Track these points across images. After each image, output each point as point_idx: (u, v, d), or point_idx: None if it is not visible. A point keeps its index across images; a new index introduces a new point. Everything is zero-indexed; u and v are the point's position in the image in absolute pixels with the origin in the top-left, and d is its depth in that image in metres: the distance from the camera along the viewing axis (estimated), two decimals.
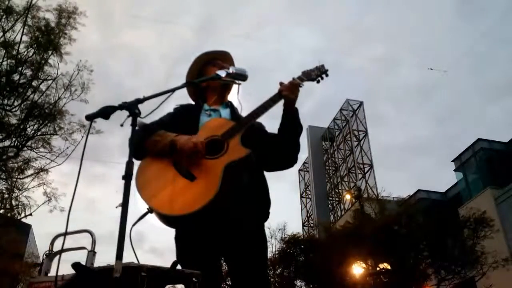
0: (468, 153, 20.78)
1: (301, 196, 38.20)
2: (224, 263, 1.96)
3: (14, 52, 10.77)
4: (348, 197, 24.32)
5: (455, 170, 21.92)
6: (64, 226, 1.38)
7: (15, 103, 11.06)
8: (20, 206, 11.35)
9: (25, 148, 11.35)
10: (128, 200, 1.27)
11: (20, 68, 10.91)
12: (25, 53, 11.05)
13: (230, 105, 2.15)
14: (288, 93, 1.98)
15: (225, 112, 2.09)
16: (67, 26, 11.36)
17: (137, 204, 1.67)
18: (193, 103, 2.20)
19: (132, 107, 1.46)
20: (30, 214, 11.41)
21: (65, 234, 1.46)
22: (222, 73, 1.92)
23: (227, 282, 10.71)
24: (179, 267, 1.40)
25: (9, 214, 11.77)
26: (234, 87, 2.13)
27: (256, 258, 1.81)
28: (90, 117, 1.44)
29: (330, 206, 33.90)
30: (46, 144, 11.45)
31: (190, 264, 1.61)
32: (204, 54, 2.21)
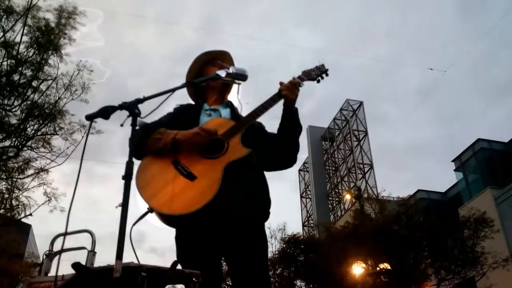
0: (468, 153, 20.78)
1: (301, 196, 38.20)
2: (224, 263, 1.96)
3: (14, 53, 10.77)
4: (348, 197, 24.33)
5: (455, 170, 21.92)
6: (64, 226, 1.38)
7: (15, 103, 11.05)
8: (20, 206, 11.34)
9: (25, 148, 11.33)
10: (128, 200, 1.27)
11: (20, 68, 10.90)
12: (25, 53, 11.06)
13: (230, 105, 2.15)
14: (288, 93, 1.98)
15: (225, 112, 2.09)
16: (67, 26, 11.36)
17: (137, 204, 1.67)
18: (193, 103, 2.20)
19: (132, 107, 1.46)
20: (30, 214, 11.40)
21: (65, 234, 1.46)
22: (222, 73, 1.92)
23: (227, 282, 10.73)
24: (179, 267, 1.40)
25: (9, 214, 11.76)
26: (234, 87, 2.13)
27: (256, 258, 1.80)
28: (90, 117, 1.44)
29: (330, 206, 33.90)
30: (46, 144, 11.44)
31: (190, 264, 1.61)
32: (204, 54, 2.21)
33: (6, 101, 10.98)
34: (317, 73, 2.15)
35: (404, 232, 14.59)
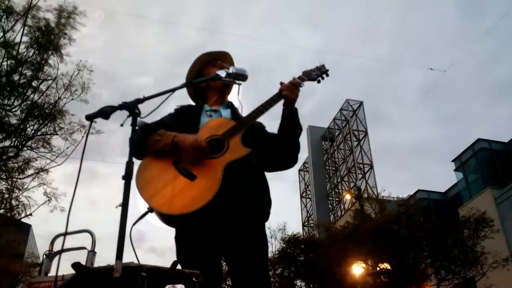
0: (468, 153, 20.77)
1: (301, 196, 38.20)
2: (224, 263, 1.96)
3: (14, 53, 10.76)
4: (348, 197, 24.33)
5: (455, 170, 21.92)
6: (64, 226, 1.38)
7: (15, 103, 11.04)
8: (20, 206, 11.33)
9: (25, 148, 11.32)
10: (128, 200, 1.27)
11: (20, 68, 10.89)
12: (25, 53, 11.06)
13: (230, 106, 2.15)
14: (288, 93, 1.98)
15: (225, 113, 2.09)
16: (67, 26, 11.35)
17: (137, 204, 1.67)
18: (193, 103, 2.20)
19: (132, 107, 1.46)
20: (30, 214, 11.38)
21: (65, 234, 1.46)
22: (222, 73, 1.91)
23: (227, 282, 10.72)
24: (179, 267, 1.40)
25: (9, 214, 11.75)
26: (235, 87, 2.13)
27: (256, 258, 1.80)
28: (90, 117, 1.44)
29: (330, 206, 33.90)
30: (46, 144, 11.43)
31: (190, 263, 1.62)
32: (204, 55, 2.21)
33: (6, 101, 10.97)
34: (318, 74, 2.15)
35: (404, 232, 14.58)
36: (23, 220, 12.49)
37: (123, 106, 1.46)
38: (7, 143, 11.00)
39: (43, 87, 11.32)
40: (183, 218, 1.65)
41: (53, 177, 11.64)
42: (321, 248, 17.05)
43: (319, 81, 2.16)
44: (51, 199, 11.28)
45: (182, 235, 1.83)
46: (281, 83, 2.02)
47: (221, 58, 2.21)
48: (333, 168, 34.74)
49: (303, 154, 35.67)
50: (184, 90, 2.18)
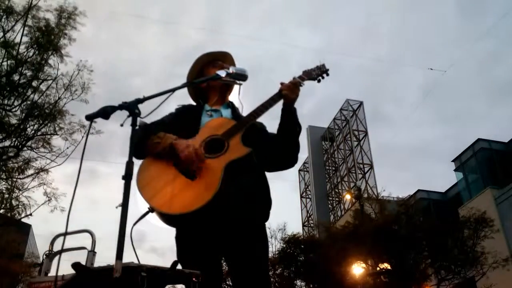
0: (468, 153, 20.77)
1: (301, 196, 38.20)
2: (224, 263, 1.96)
3: (14, 53, 10.76)
4: (348, 197, 24.33)
5: (455, 170, 21.92)
6: (64, 226, 1.38)
7: (15, 103, 11.05)
8: (20, 206, 11.33)
9: (25, 148, 11.33)
10: (128, 200, 1.27)
11: (20, 69, 10.89)
12: (25, 53, 11.06)
13: (231, 105, 2.15)
14: (288, 92, 1.98)
15: (226, 112, 2.09)
16: (67, 26, 11.35)
17: (138, 204, 1.67)
18: (194, 103, 2.20)
19: (132, 107, 1.46)
20: (30, 214, 11.39)
21: (65, 234, 1.46)
22: (222, 73, 1.91)
23: (227, 282, 10.73)
24: (179, 266, 1.40)
25: (9, 214, 11.75)
26: (235, 87, 2.13)
27: (256, 258, 1.80)
28: (90, 117, 1.44)
29: (330, 206, 33.90)
30: (46, 144, 11.43)
31: (190, 263, 1.61)
32: (204, 55, 2.21)
33: (6, 101, 10.97)
34: (318, 73, 2.15)
35: (404, 232, 14.58)
36: (23, 220, 12.51)
37: (123, 106, 1.46)
38: (7, 143, 11.01)
39: (43, 87, 11.34)
40: (183, 218, 1.65)
41: (53, 177, 11.66)
42: (321, 248, 17.05)
43: (319, 81, 2.16)
44: (51, 199, 11.29)
45: (182, 235, 1.83)
46: (282, 83, 2.02)
47: (222, 58, 2.21)
48: (333, 168, 34.74)
49: (303, 154, 35.74)
50: (185, 90, 2.18)
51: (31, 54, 11.08)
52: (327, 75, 2.18)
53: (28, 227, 21.95)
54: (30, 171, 11.44)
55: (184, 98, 2.20)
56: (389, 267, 14.43)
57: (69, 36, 11.40)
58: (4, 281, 13.33)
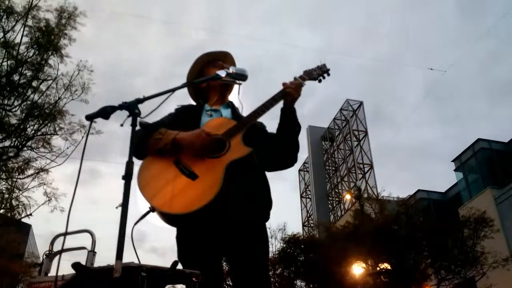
0: (468, 153, 20.77)
1: (301, 196, 38.19)
2: (225, 263, 1.96)
3: (14, 53, 10.76)
4: (348, 197, 24.33)
5: (455, 170, 21.91)
6: (64, 226, 1.38)
7: (15, 103, 11.05)
8: (20, 206, 11.32)
9: (25, 148, 11.32)
10: (128, 200, 1.27)
11: (20, 69, 10.89)
12: (25, 53, 11.05)
13: (231, 105, 2.15)
14: (292, 90, 1.99)
15: (226, 112, 2.09)
16: (67, 26, 11.35)
17: (138, 204, 1.67)
18: (194, 103, 2.20)
19: (132, 107, 1.46)
20: (30, 214, 11.38)
21: (65, 234, 1.46)
22: (222, 73, 1.91)
23: (227, 282, 10.72)
24: (179, 266, 1.40)
25: (9, 214, 11.75)
26: (235, 87, 2.13)
27: (256, 258, 1.80)
28: (90, 117, 1.44)
29: (330, 206, 33.90)
30: (46, 144, 11.43)
31: (190, 263, 1.61)
32: (205, 55, 2.21)
33: (6, 101, 10.97)
34: (319, 73, 2.16)
35: (404, 232, 14.58)
36: (23, 220, 12.50)
37: (123, 106, 1.45)
38: (7, 143, 11.01)
39: (43, 87, 11.34)
40: (184, 217, 1.65)
41: (53, 177, 11.65)
42: (321, 248, 17.05)
43: (320, 81, 2.16)
44: (51, 199, 11.28)
45: (183, 235, 1.83)
46: (284, 84, 2.02)
47: (222, 58, 2.21)
48: (333, 168, 34.74)
49: (303, 154, 35.75)
50: (185, 90, 2.18)
51: (31, 54, 11.09)
52: (328, 75, 2.18)
53: (28, 227, 21.95)
54: (30, 171, 11.45)
55: (184, 98, 2.20)
56: (389, 267, 14.42)
57: (69, 36, 11.42)
58: (4, 281, 13.33)
